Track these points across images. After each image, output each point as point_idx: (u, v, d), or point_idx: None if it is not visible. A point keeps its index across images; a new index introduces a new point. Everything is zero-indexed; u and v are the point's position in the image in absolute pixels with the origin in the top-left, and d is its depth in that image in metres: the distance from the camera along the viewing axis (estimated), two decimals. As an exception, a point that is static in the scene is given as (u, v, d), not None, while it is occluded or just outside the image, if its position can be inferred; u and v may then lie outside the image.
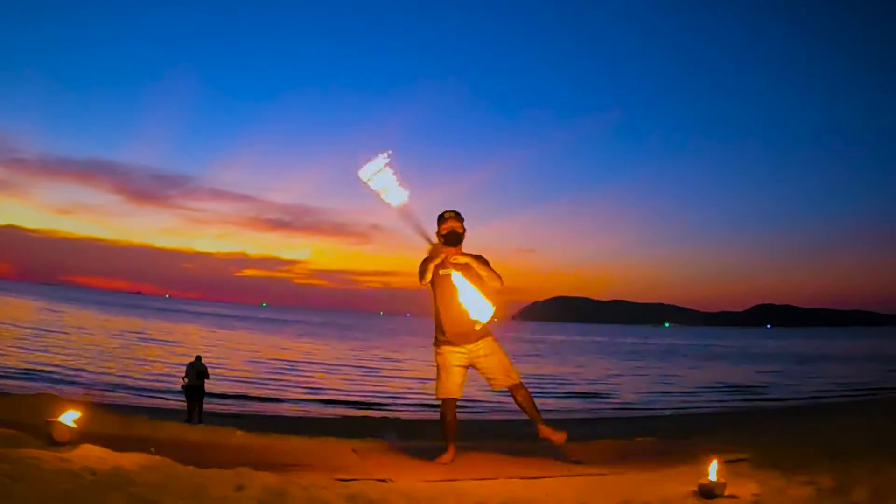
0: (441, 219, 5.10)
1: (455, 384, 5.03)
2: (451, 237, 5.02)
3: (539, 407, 5.22)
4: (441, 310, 5.00)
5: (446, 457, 4.95)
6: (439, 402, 5.13)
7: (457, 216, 5.08)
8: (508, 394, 5.15)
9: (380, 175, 4.69)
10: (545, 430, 5.14)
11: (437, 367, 5.09)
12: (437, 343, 5.08)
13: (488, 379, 5.09)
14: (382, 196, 4.70)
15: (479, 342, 5.03)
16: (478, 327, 4.87)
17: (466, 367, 5.08)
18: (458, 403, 5.15)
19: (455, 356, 5.01)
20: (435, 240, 4.98)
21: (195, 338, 47.48)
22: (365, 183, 4.68)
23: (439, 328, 5.05)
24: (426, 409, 19.91)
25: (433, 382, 5.16)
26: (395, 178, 4.69)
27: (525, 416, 5.20)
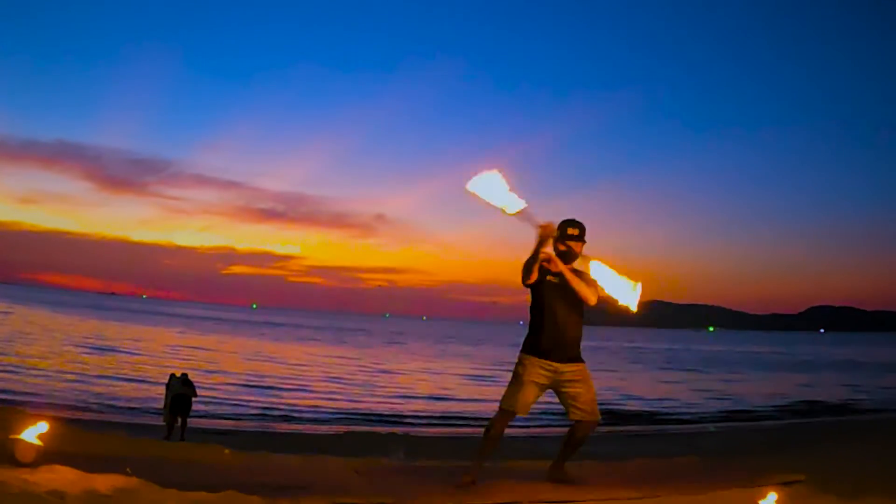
0: (565, 235, 4.97)
1: (525, 401, 4.92)
2: (567, 256, 4.97)
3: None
4: (544, 317, 4.91)
5: (469, 476, 4.90)
6: (496, 411, 5.03)
7: (581, 236, 5.00)
8: (574, 423, 5.06)
9: (491, 185, 4.71)
10: (567, 472, 5.14)
11: (515, 374, 4.98)
12: (526, 349, 4.97)
13: (571, 406, 4.96)
14: (496, 204, 4.70)
15: (572, 365, 4.95)
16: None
17: (545, 387, 4.98)
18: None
19: (538, 372, 4.87)
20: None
21: (174, 343, 47.65)
22: (475, 195, 4.73)
23: (534, 335, 4.96)
24: (438, 425, 19.94)
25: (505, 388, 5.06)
26: (505, 185, 4.70)
27: (562, 447, 5.16)
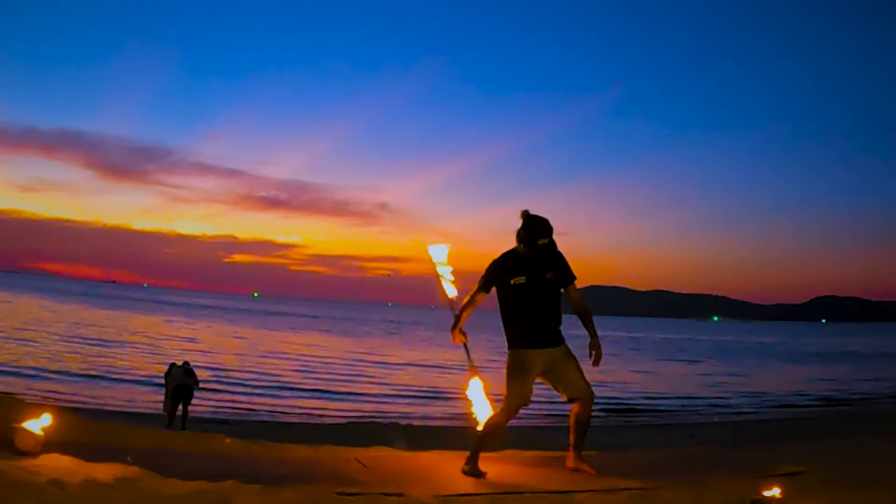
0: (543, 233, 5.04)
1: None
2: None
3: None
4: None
5: (478, 468, 4.97)
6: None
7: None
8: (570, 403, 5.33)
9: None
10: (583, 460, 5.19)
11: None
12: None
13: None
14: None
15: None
16: None
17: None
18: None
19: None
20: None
21: (175, 332, 47.70)
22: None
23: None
24: (441, 415, 19.94)
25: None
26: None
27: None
